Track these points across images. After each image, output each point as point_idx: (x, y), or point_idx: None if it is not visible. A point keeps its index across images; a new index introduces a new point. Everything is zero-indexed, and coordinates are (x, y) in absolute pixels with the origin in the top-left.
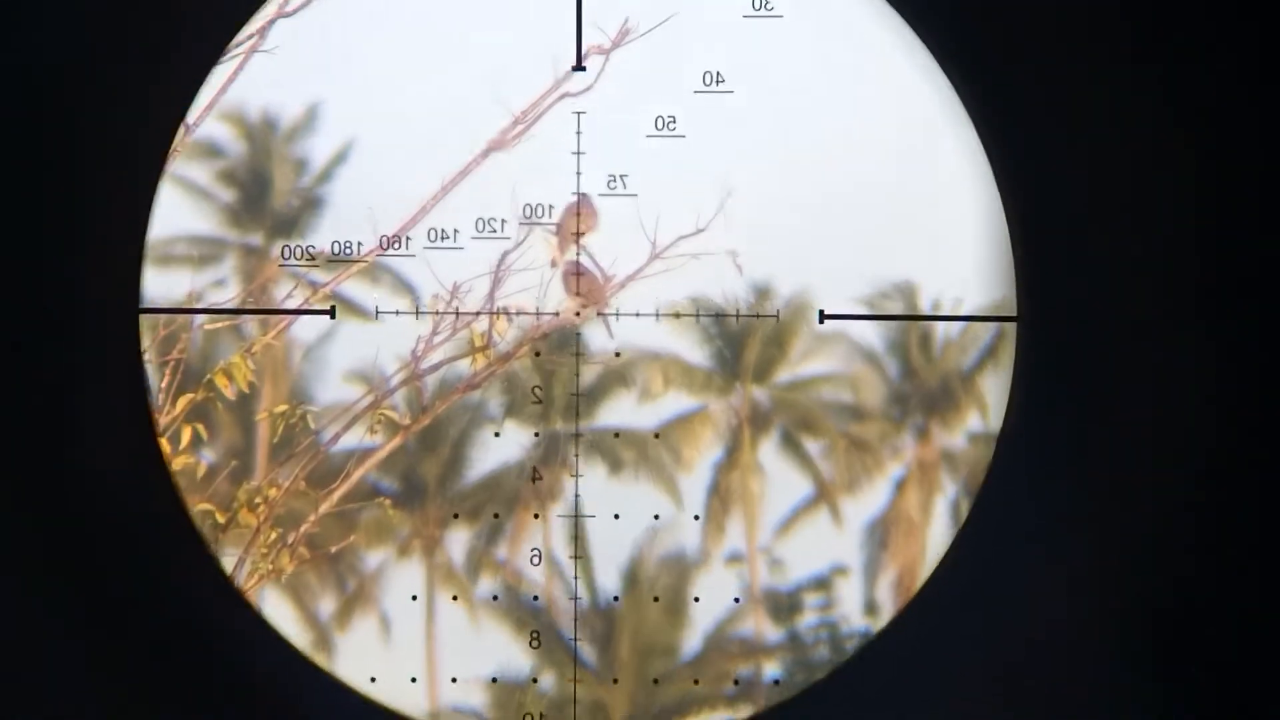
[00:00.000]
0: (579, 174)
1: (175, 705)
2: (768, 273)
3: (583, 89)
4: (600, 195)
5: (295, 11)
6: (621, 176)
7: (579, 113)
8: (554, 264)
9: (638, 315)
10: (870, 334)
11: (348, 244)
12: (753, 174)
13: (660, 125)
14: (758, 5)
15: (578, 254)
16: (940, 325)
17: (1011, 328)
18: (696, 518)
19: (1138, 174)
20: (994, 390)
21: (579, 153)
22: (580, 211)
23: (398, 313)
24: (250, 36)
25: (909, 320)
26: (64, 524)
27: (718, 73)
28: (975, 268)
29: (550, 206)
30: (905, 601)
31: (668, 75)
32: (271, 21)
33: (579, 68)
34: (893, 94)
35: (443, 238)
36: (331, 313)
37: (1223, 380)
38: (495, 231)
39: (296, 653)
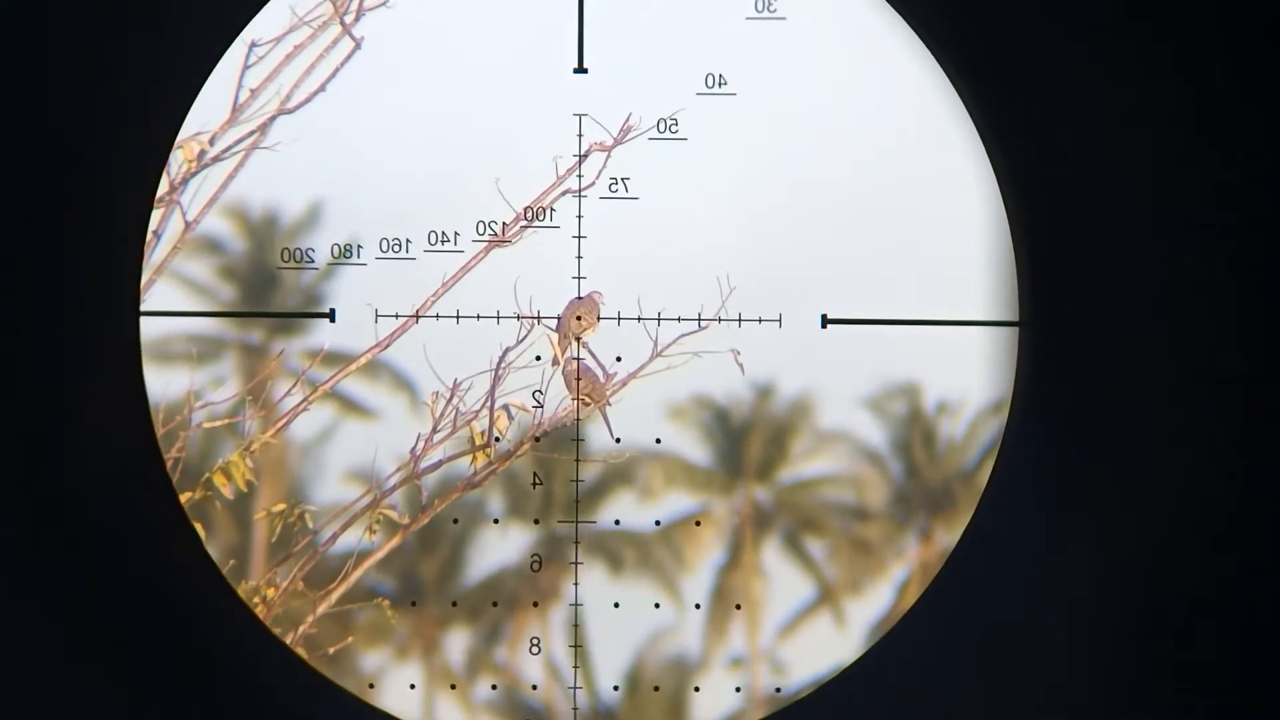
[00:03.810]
0: (579, 176)
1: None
2: (768, 280)
3: (586, 185)
4: (601, 198)
5: (297, 109)
6: (623, 180)
7: (580, 115)
8: (555, 363)
9: (640, 409)
10: (874, 434)
11: (348, 248)
12: (753, 179)
13: (662, 128)
14: (760, 7)
15: (578, 354)
16: (944, 425)
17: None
18: (698, 607)
19: (1142, 176)
20: (997, 391)
21: (580, 156)
22: (581, 312)
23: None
24: (252, 133)
25: (911, 325)
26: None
27: (720, 75)
28: (980, 285)
29: (552, 210)
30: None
31: (670, 78)
32: (273, 118)
33: (580, 70)
34: (896, 97)
35: (443, 240)
36: (331, 316)
37: (1225, 382)
38: (495, 235)
39: (301, 662)
